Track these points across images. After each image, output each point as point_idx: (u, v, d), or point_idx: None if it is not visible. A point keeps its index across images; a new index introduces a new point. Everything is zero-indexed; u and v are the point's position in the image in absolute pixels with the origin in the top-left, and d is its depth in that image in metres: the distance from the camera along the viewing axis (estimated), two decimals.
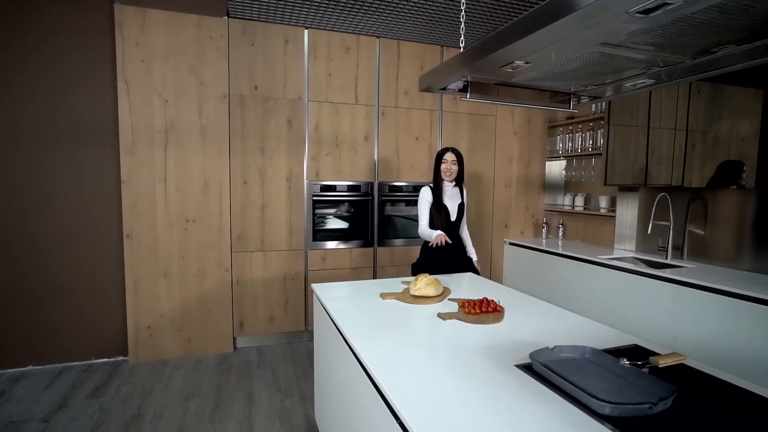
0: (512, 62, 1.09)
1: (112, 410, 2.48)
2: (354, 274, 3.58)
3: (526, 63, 1.10)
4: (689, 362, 1.26)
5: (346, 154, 3.51)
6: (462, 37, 1.55)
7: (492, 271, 4.11)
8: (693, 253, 2.97)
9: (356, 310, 1.78)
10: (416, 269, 2.67)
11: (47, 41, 2.90)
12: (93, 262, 3.09)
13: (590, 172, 3.85)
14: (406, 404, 1.02)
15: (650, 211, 3.07)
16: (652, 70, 1.14)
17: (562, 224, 4.06)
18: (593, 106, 3.64)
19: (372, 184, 3.61)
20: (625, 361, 1.17)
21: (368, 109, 3.55)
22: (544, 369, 1.15)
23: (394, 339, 1.45)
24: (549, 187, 4.28)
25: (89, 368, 3.03)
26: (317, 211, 3.48)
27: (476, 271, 2.70)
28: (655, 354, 1.29)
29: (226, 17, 3.14)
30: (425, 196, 2.67)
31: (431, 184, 2.70)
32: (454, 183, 2.69)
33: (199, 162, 3.15)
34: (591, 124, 3.72)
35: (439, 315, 1.69)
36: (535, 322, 1.66)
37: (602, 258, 3.12)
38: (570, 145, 3.96)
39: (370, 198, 3.61)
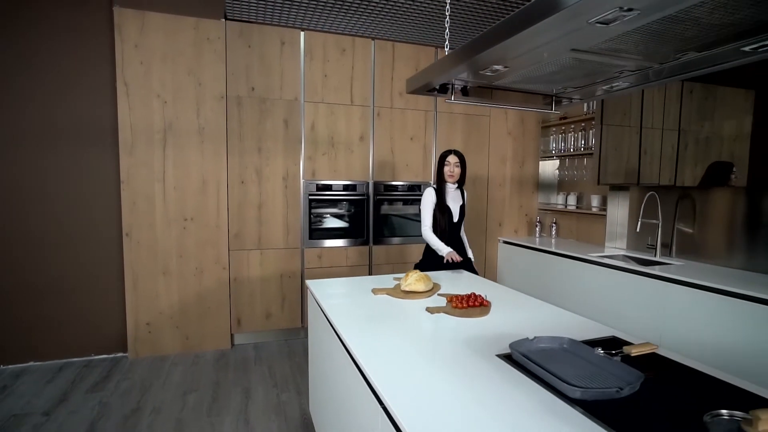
0: (491, 66, 1.16)
1: (112, 404, 2.54)
2: (350, 272, 3.64)
3: (505, 67, 1.16)
4: (661, 351, 1.32)
5: (341, 154, 3.57)
6: (447, 42, 1.60)
7: (486, 270, 4.17)
8: (681, 251, 3.03)
9: (348, 304, 1.84)
10: (419, 269, 2.69)
11: (47, 42, 2.96)
12: (93, 261, 3.15)
13: (582, 171, 3.91)
14: (390, 390, 1.08)
15: (640, 210, 3.13)
16: (624, 74, 1.20)
17: (555, 223, 4.12)
18: (584, 106, 3.71)
19: (367, 183, 3.67)
20: (600, 351, 1.23)
21: (363, 109, 3.61)
22: (522, 358, 1.21)
23: (382, 331, 1.51)
24: (543, 186, 4.34)
25: (89, 364, 3.09)
26: (313, 210, 3.54)
27: (475, 272, 2.74)
28: (629, 344, 1.35)
29: (223, 20, 3.20)
30: (429, 198, 2.68)
31: (434, 186, 2.72)
32: (456, 185, 2.72)
33: (197, 162, 3.21)
34: (583, 124, 3.78)
35: (428, 309, 1.75)
36: (520, 315, 1.72)
37: (593, 256, 3.18)
38: (563, 145, 4.02)
39: (365, 197, 3.67)
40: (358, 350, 1.32)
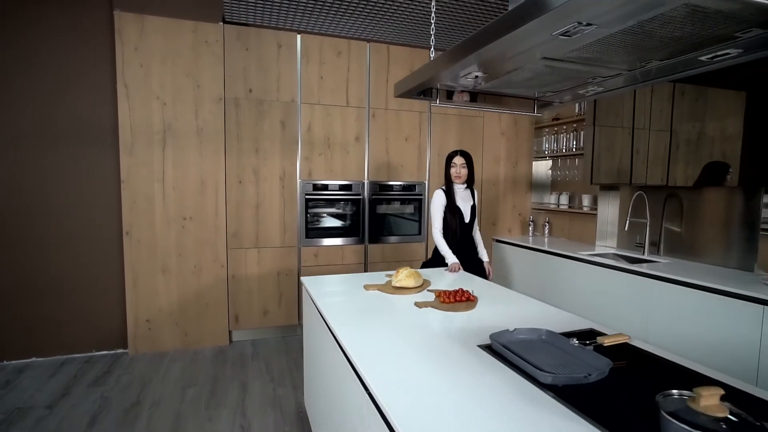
0: (469, 73, 1.23)
1: (113, 398, 2.61)
2: (346, 270, 3.71)
3: (484, 73, 1.23)
4: (634, 342, 1.39)
5: (337, 154, 3.64)
6: (432, 49, 1.67)
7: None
8: (669, 249, 3.10)
9: (340, 299, 1.91)
10: (427, 267, 2.74)
11: (47, 43, 3.02)
12: (94, 259, 3.22)
13: (574, 171, 3.99)
14: (375, 377, 1.15)
15: (631, 210, 3.20)
16: (597, 80, 1.28)
17: (548, 222, 4.20)
18: (576, 107, 3.78)
19: (363, 183, 3.74)
20: (575, 341, 1.31)
21: (359, 111, 3.68)
22: (501, 348, 1.28)
23: (372, 324, 1.58)
24: (536, 186, 4.41)
25: (90, 360, 3.17)
26: (310, 209, 3.61)
27: (485, 274, 2.74)
28: (604, 335, 1.42)
29: (221, 23, 3.27)
30: (439, 200, 2.70)
31: (444, 187, 2.74)
32: (465, 185, 2.74)
33: (196, 162, 3.28)
34: (575, 125, 3.85)
35: (416, 304, 1.82)
36: (505, 310, 1.79)
37: (584, 254, 3.25)
38: (555, 145, 4.09)
39: (361, 197, 3.74)
40: (348, 341, 1.39)
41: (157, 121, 3.17)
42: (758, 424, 0.76)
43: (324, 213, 3.68)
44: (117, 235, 3.24)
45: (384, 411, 1.00)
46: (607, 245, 3.60)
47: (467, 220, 2.73)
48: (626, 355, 1.31)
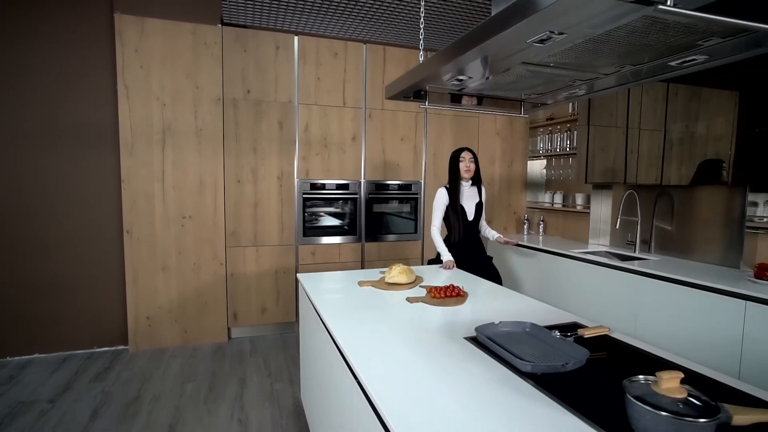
0: (454, 77, 1.29)
1: (114, 393, 2.67)
2: (343, 268, 3.77)
3: (469, 77, 1.29)
4: (614, 334, 1.45)
5: (334, 154, 3.70)
6: (421, 52, 1.73)
7: None
8: (660, 247, 3.16)
9: (335, 295, 1.97)
10: (433, 264, 2.77)
11: (48, 45, 3.08)
12: (95, 258, 3.28)
13: (568, 170, 4.04)
14: (365, 368, 1.20)
15: (624, 208, 3.26)
16: (578, 83, 1.33)
17: (542, 221, 4.25)
18: (569, 107, 3.84)
19: (359, 182, 3.80)
20: (556, 333, 1.37)
21: (355, 111, 3.74)
22: (486, 339, 1.34)
23: (364, 318, 1.64)
24: (531, 185, 4.47)
25: (92, 356, 3.23)
26: (307, 208, 3.67)
27: (495, 270, 2.73)
28: (585, 328, 1.48)
29: (220, 25, 3.32)
30: (441, 199, 2.71)
31: (447, 186, 2.76)
32: (470, 182, 2.75)
33: (195, 162, 3.34)
34: (569, 125, 3.91)
35: (408, 299, 1.88)
36: (494, 305, 1.85)
37: (576, 252, 3.31)
38: (549, 145, 4.15)
39: (357, 196, 3.80)
40: (340, 334, 1.45)
41: (156, 122, 3.23)
42: (714, 403, 0.82)
43: (321, 212, 3.74)
44: (117, 234, 3.30)
45: (371, 397, 1.06)
46: (599, 243, 3.66)
47: (471, 218, 2.73)
48: (606, 346, 1.37)
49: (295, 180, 3.61)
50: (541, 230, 4.24)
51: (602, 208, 3.65)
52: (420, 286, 2.11)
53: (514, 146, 4.37)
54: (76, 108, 3.17)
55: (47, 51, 3.08)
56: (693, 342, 2.33)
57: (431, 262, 2.88)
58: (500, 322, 1.46)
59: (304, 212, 3.65)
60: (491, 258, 2.86)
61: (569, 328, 1.48)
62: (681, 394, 0.83)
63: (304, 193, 3.64)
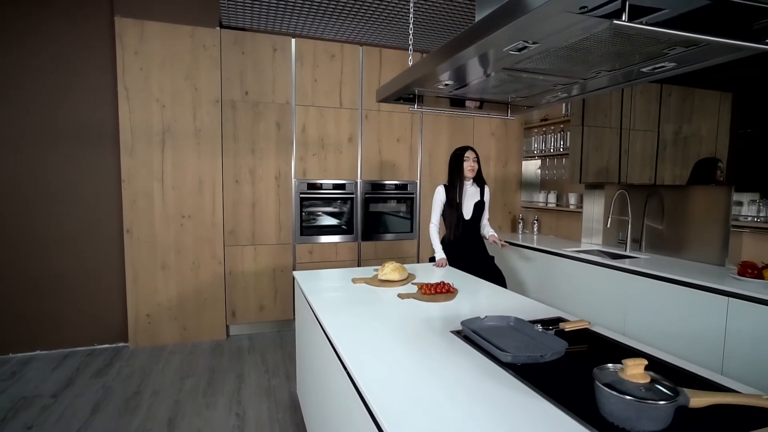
0: (441, 81, 1.35)
1: (115, 388, 2.73)
2: (340, 266, 3.83)
3: (455, 81, 1.35)
4: (595, 328, 1.51)
5: (331, 154, 3.76)
6: (410, 56, 1.79)
7: None
8: (651, 246, 3.22)
9: (329, 291, 2.03)
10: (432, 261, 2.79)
11: (50, 48, 3.14)
12: (95, 257, 3.35)
13: (562, 170, 4.10)
14: (356, 360, 1.26)
15: (616, 208, 3.32)
16: (559, 87, 1.39)
17: (537, 220, 4.31)
18: (563, 108, 3.90)
19: (356, 182, 3.86)
20: (539, 326, 1.43)
21: (352, 112, 3.80)
22: (470, 332, 1.40)
23: (356, 314, 1.70)
24: (526, 185, 4.53)
25: (92, 353, 3.29)
26: (304, 208, 3.73)
27: (498, 270, 2.74)
28: (566, 321, 1.54)
29: (218, 28, 3.38)
30: (438, 196, 2.74)
31: (446, 184, 2.78)
32: (472, 181, 2.76)
33: (194, 162, 3.40)
34: (562, 125, 3.97)
35: (399, 295, 1.94)
36: (483, 301, 1.91)
37: (569, 251, 3.37)
38: (544, 145, 4.21)
39: (354, 195, 3.86)
40: (333, 329, 1.51)
41: (156, 123, 3.29)
42: (673, 387, 0.88)
43: (318, 211, 3.80)
44: (118, 233, 3.36)
45: (359, 387, 1.12)
46: (592, 242, 3.72)
47: (468, 217, 2.74)
48: (587, 339, 1.43)
49: (293, 180, 3.67)
50: (535, 230, 4.30)
51: (595, 208, 3.71)
52: (412, 283, 2.17)
53: (509, 146, 4.43)
54: (76, 108, 3.23)
55: (48, 52, 3.14)
56: (680, 337, 2.39)
57: (432, 260, 2.92)
58: (485, 317, 1.52)
59: (301, 212, 3.71)
60: (493, 258, 2.86)
61: (552, 323, 1.55)
62: (644, 380, 0.89)
63: (301, 193, 3.70)
